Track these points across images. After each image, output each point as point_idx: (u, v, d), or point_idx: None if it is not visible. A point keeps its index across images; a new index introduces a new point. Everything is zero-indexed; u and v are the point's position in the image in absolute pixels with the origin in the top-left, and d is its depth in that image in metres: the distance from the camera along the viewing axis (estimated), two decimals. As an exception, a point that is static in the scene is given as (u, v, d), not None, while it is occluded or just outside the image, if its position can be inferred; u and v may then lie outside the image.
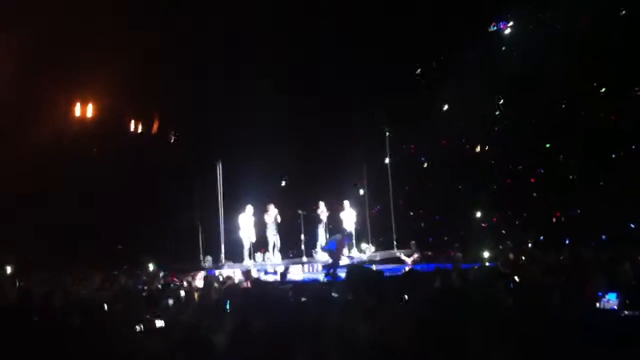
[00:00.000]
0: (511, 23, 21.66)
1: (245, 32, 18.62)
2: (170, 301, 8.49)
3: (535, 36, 19.98)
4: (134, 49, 16.93)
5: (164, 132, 21.11)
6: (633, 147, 18.90)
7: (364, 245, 19.32)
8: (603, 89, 19.78)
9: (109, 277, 12.95)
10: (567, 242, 15.97)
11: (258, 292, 9.35)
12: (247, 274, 13.52)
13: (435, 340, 5.40)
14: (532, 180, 21.35)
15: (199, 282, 13.21)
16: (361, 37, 19.29)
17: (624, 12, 19.13)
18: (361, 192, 21.44)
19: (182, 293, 10.17)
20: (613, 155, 19.30)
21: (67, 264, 14.81)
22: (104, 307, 8.06)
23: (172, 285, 11.51)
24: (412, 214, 22.27)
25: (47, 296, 8.15)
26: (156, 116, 20.77)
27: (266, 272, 16.15)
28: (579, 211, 19.21)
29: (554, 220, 20.10)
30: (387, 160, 21.27)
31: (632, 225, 17.69)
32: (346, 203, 18.84)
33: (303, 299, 8.21)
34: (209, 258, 17.88)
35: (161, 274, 14.64)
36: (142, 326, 6.84)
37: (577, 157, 19.51)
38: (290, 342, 5.60)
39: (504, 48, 21.43)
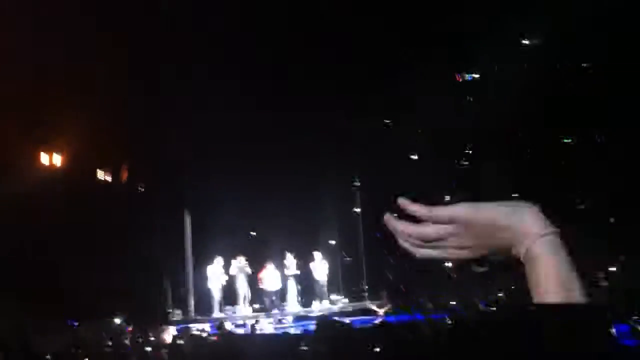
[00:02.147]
0: (476, 76, 22.08)
1: (214, 82, 18.68)
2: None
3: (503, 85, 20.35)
4: (102, 98, 16.88)
5: (132, 182, 20.93)
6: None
7: (335, 297, 19.17)
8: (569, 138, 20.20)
9: (73, 332, 12.62)
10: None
11: (228, 346, 9.18)
12: (218, 326, 13.29)
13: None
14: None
15: (166, 336, 12.95)
16: (330, 96, 19.46)
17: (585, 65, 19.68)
18: (332, 242, 21.40)
19: (149, 349, 9.94)
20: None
21: (31, 317, 14.41)
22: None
23: (139, 340, 11.25)
24: (383, 264, 22.26)
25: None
26: (124, 166, 20.63)
27: (236, 325, 15.90)
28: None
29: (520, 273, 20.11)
30: (357, 210, 21.33)
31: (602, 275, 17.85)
32: (317, 254, 18.76)
33: (273, 353, 8.08)
34: (177, 312, 17.59)
35: (128, 329, 14.31)
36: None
37: (546, 208, 19.70)
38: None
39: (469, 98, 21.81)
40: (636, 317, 9.21)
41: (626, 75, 17.38)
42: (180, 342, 10.51)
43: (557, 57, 19.40)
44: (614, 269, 16.98)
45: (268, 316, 17.56)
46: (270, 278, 17.89)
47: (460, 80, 21.48)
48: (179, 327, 15.52)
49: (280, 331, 14.50)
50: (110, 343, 11.12)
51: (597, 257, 16.77)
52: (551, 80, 19.12)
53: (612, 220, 18.73)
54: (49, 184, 18.20)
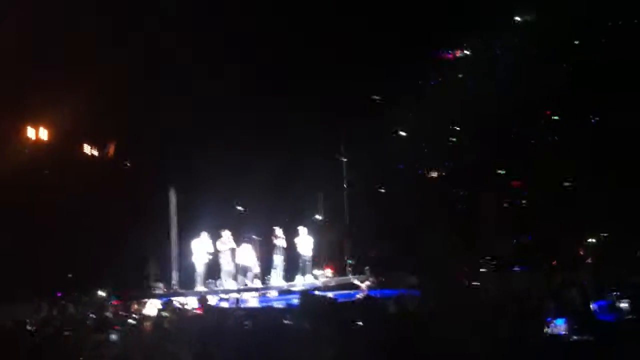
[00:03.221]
0: (460, 53, 22.09)
1: (201, 63, 18.59)
2: (115, 336, 8.26)
3: (489, 63, 20.40)
4: (89, 74, 16.73)
5: (118, 157, 20.82)
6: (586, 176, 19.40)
7: (318, 271, 19.26)
8: (556, 117, 20.32)
9: (56, 305, 12.61)
10: (518, 268, 16.21)
11: (212, 320, 9.22)
12: (202, 300, 13.31)
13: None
14: (486, 206, 21.69)
15: (150, 309, 12.98)
16: (316, 64, 19.40)
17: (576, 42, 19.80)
18: (317, 217, 21.46)
19: (132, 322, 9.96)
20: (566, 184, 19.79)
21: (14, 291, 14.40)
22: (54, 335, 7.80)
23: (121, 313, 11.28)
24: (366, 240, 22.34)
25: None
26: (110, 141, 20.50)
27: (221, 299, 15.96)
28: (529, 237, 19.57)
29: (507, 245, 20.41)
30: (343, 186, 21.37)
31: (581, 252, 18.10)
32: (302, 229, 18.79)
33: (257, 326, 8.14)
34: (160, 285, 17.62)
35: (111, 301, 14.33)
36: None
37: (531, 185, 19.92)
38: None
39: (460, 75, 21.83)
40: (615, 293, 9.35)
41: None
42: (164, 314, 10.55)
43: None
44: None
45: (252, 290, 17.63)
46: (253, 251, 17.96)
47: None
48: (162, 300, 15.55)
49: (264, 304, 14.58)
50: (93, 316, 11.13)
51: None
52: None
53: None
54: (34, 158, 18.08)
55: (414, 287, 14.80)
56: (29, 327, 8.75)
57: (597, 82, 18.41)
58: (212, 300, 15.04)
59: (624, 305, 8.53)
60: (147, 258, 18.48)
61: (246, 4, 18.56)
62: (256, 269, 18.05)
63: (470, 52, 21.99)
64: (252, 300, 16.81)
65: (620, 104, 18.18)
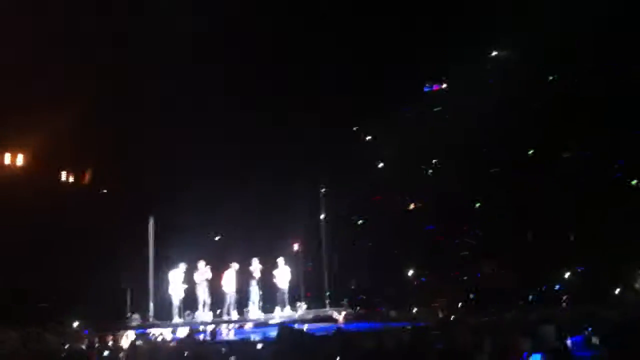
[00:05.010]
0: (444, 85, 22.37)
1: (181, 96, 18.65)
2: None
3: (468, 98, 20.61)
4: (68, 99, 16.69)
5: (95, 185, 20.67)
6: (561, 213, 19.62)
7: (296, 304, 19.14)
8: (531, 151, 20.55)
9: (30, 336, 12.37)
10: (495, 303, 16.23)
11: (189, 352, 9.14)
12: (189, 333, 13.10)
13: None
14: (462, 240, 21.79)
15: (124, 341, 12.80)
16: (296, 100, 19.53)
17: (551, 78, 20.11)
18: (295, 248, 21.39)
19: (106, 353, 9.83)
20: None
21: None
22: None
23: (96, 344, 11.11)
24: (345, 272, 22.29)
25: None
26: (88, 169, 20.37)
27: (197, 332, 15.75)
28: (503, 272, 19.65)
29: (483, 280, 20.47)
30: (322, 217, 21.37)
31: (557, 287, 18.19)
32: (280, 260, 18.72)
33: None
34: (136, 316, 17.39)
35: (86, 332, 14.11)
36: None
37: (507, 218, 20.06)
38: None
39: (439, 108, 22.05)
40: (589, 329, 9.42)
41: None
42: (139, 346, 10.42)
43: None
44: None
45: (228, 322, 17.46)
46: (229, 280, 17.82)
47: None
48: (137, 331, 15.35)
49: (240, 337, 14.43)
50: (66, 347, 10.95)
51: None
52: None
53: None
54: (11, 184, 17.89)
55: (394, 320, 14.77)
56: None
57: (573, 117, 18.72)
58: (187, 331, 14.85)
59: (598, 340, 8.59)
60: (123, 289, 18.26)
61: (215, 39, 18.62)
62: (234, 300, 17.90)
63: (448, 85, 22.28)
64: (228, 333, 16.64)
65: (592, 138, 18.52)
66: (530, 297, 17.19)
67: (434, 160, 22.82)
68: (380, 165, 23.31)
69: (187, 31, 17.43)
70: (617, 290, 16.35)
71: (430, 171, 22.83)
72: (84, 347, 10.77)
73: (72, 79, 17.20)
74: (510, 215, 19.93)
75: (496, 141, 20.55)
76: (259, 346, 9.88)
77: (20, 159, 18.26)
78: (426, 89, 22.71)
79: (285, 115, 19.70)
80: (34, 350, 10.17)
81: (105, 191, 21.21)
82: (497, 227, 20.72)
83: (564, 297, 16.89)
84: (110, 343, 12.22)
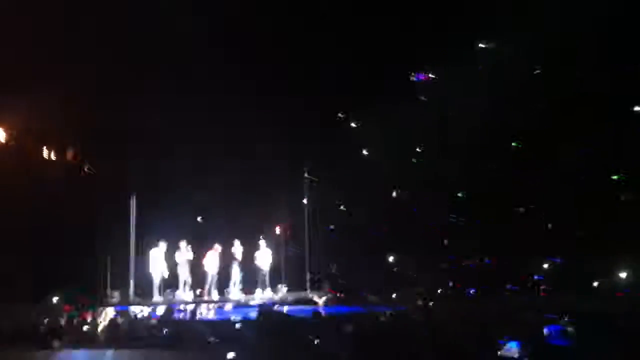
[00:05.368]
0: (431, 75, 22.33)
1: (170, 63, 18.47)
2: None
3: (455, 84, 20.57)
4: (53, 73, 16.49)
5: (78, 161, 20.49)
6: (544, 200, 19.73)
7: (277, 287, 19.18)
8: (518, 144, 20.64)
9: (10, 311, 12.30)
10: (474, 290, 16.39)
11: (168, 330, 9.14)
12: (166, 311, 13.10)
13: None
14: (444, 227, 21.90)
15: (104, 318, 12.77)
16: (284, 82, 19.43)
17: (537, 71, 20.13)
18: (277, 231, 21.42)
19: (85, 328, 9.80)
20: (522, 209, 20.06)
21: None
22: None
23: (76, 320, 11.07)
24: (326, 255, 22.32)
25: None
26: (71, 144, 20.17)
27: (177, 311, 15.76)
28: (487, 260, 19.78)
29: (465, 266, 20.61)
30: (304, 201, 21.38)
31: (536, 277, 18.36)
32: (262, 242, 18.75)
33: (214, 338, 8.11)
34: (116, 294, 17.33)
35: (65, 308, 14.06)
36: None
37: (491, 206, 20.15)
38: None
39: (423, 97, 22.03)
40: (566, 319, 9.53)
41: None
42: (118, 323, 10.41)
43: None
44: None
45: (209, 302, 17.47)
46: (212, 261, 17.79)
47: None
48: (117, 309, 15.34)
49: (219, 317, 14.47)
50: (45, 322, 10.92)
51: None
52: None
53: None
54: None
55: (375, 304, 14.83)
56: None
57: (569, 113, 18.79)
58: (167, 310, 14.85)
59: (573, 330, 8.71)
60: (104, 266, 18.17)
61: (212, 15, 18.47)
62: (215, 280, 17.90)
63: (439, 74, 22.25)
64: (208, 313, 16.66)
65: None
66: (510, 285, 17.32)
67: (418, 148, 22.85)
68: (365, 151, 23.32)
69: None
70: (597, 283, 16.53)
71: (416, 159, 22.87)
72: (63, 322, 10.73)
73: (58, 52, 16.96)
74: (496, 203, 20.03)
75: (485, 131, 20.58)
76: (238, 326, 9.93)
77: (1, 134, 18.01)
78: (416, 79, 22.68)
79: (271, 98, 19.58)
80: (13, 326, 10.09)
81: (88, 168, 21.03)
82: (481, 215, 20.84)
83: (543, 287, 17.05)
84: (89, 319, 12.19)
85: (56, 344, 7.91)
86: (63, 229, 18.27)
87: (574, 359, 7.56)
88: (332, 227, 22.71)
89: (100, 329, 10.35)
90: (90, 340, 9.00)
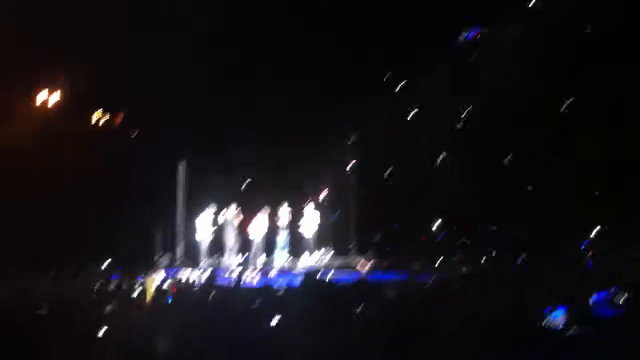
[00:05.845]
0: (484, 31, 21.81)
1: (213, 29, 18.41)
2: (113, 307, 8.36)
3: (507, 43, 20.08)
4: (100, 40, 16.64)
5: (126, 127, 20.79)
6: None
7: (321, 253, 19.33)
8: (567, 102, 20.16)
9: (60, 275, 12.72)
10: (521, 257, 16.16)
11: (214, 295, 9.32)
12: (210, 277, 13.30)
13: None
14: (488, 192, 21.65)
15: (153, 282, 13.07)
16: (331, 37, 19.16)
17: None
18: (321, 197, 21.50)
19: (136, 294, 10.09)
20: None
21: (17, 260, 14.50)
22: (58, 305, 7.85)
23: (124, 285, 11.38)
24: (370, 222, 22.31)
25: None
26: (119, 111, 20.46)
27: (223, 276, 16.03)
28: (535, 225, 19.50)
29: (510, 233, 20.37)
30: (349, 166, 21.36)
31: (583, 245, 18.04)
32: (307, 208, 18.86)
33: (258, 304, 8.22)
34: (164, 259, 17.76)
35: (115, 274, 14.44)
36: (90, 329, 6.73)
37: (537, 171, 19.81)
38: (248, 347, 5.63)
39: (475, 55, 21.59)
40: (615, 288, 9.34)
41: None
42: (166, 288, 10.67)
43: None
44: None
45: (254, 267, 17.72)
46: (257, 227, 17.99)
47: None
48: (166, 274, 15.70)
49: (264, 283, 14.65)
50: (95, 287, 11.25)
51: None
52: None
53: None
54: (44, 124, 18.02)
55: (418, 273, 14.83)
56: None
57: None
58: (214, 276, 15.09)
59: (622, 300, 8.54)
60: (152, 231, 18.58)
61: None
62: (261, 245, 18.13)
63: (489, 34, 21.73)
64: (253, 278, 16.89)
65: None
66: (556, 252, 17.06)
67: (466, 111, 22.49)
68: (411, 114, 23.07)
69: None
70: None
71: (462, 124, 22.55)
72: (113, 287, 11.05)
73: (105, 16, 17.05)
74: (543, 168, 19.67)
75: (534, 93, 20.10)
76: (283, 292, 10.04)
77: (51, 99, 18.28)
78: (464, 38, 22.21)
79: (316, 57, 19.37)
80: (66, 291, 10.43)
81: (135, 133, 21.33)
82: (527, 182, 20.52)
83: (590, 254, 16.74)
84: (138, 284, 12.50)
85: (110, 306, 8.15)
86: (113, 195, 18.68)
87: (622, 328, 7.42)
88: (378, 191, 22.68)
89: (150, 292, 10.63)
90: (141, 303, 9.25)
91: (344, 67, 19.59)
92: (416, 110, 22.67)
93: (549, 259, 14.63)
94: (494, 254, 17.71)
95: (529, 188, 20.19)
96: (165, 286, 11.22)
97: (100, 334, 6.55)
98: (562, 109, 20.35)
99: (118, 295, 9.56)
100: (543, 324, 7.22)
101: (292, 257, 18.50)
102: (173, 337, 6.16)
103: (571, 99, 20.05)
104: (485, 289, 9.43)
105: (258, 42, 18.81)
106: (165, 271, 16.39)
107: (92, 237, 17.98)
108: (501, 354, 5.47)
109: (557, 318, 7.43)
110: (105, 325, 6.65)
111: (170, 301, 8.43)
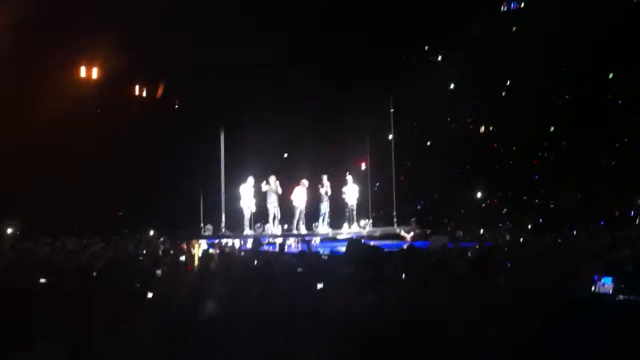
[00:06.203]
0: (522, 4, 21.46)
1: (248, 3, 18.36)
2: (162, 270, 8.51)
3: (545, 15, 19.69)
4: (139, 15, 16.73)
5: (168, 98, 21.00)
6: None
7: (363, 222, 19.37)
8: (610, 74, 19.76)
9: (108, 242, 13.01)
10: (565, 226, 16.01)
11: (258, 262, 9.42)
12: (254, 243, 13.43)
13: (426, 320, 5.42)
14: (535, 162, 21.40)
15: (198, 249, 13.29)
16: (366, 13, 19.00)
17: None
18: (363, 167, 21.53)
19: (182, 258, 10.27)
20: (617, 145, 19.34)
21: (66, 228, 14.88)
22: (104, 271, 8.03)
23: (172, 251, 11.59)
24: (413, 191, 22.28)
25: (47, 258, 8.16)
26: (160, 82, 20.64)
27: (267, 244, 16.21)
28: (578, 196, 19.25)
29: (554, 203, 20.17)
30: (390, 137, 21.28)
31: (632, 213, 17.76)
32: (349, 177, 18.87)
33: (301, 270, 8.28)
34: (209, 227, 18.02)
35: (161, 240, 14.72)
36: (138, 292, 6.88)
37: (579, 142, 19.51)
38: (290, 314, 5.68)
39: (514, 28, 21.26)
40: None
41: None
42: (212, 253, 10.83)
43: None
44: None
45: (297, 236, 17.86)
46: (300, 195, 18.04)
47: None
48: (209, 241, 15.94)
49: (308, 249, 14.74)
50: (144, 252, 11.49)
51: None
52: None
53: None
54: (86, 98, 18.29)
55: (460, 240, 14.80)
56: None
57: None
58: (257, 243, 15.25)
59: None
60: (196, 200, 18.85)
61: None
62: (303, 214, 18.21)
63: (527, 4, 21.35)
64: (297, 246, 17.05)
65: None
66: (603, 221, 16.85)
67: (507, 82, 22.21)
68: (452, 86, 22.88)
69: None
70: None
71: (504, 93, 22.28)
72: (160, 253, 11.26)
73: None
74: (585, 139, 19.35)
75: (574, 64, 19.74)
76: (325, 258, 10.12)
77: (94, 73, 18.50)
78: (503, 8, 21.85)
79: (353, 34, 19.22)
80: (113, 254, 10.66)
81: (177, 105, 21.55)
82: (569, 151, 20.21)
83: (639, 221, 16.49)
84: (184, 250, 12.73)
85: (157, 271, 8.32)
86: (158, 166, 18.97)
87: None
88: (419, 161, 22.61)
89: (197, 256, 10.85)
90: (185, 270, 9.40)
91: (384, 40, 19.44)
92: (452, 85, 22.51)
93: (595, 228, 14.46)
94: (541, 221, 17.58)
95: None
96: (211, 251, 11.40)
97: (150, 295, 6.70)
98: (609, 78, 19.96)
99: (166, 260, 9.74)
100: (593, 289, 7.14)
101: (334, 227, 18.57)
102: (220, 299, 6.25)
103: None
104: (529, 258, 9.33)
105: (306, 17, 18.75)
106: (210, 238, 16.64)
107: (140, 205, 18.35)
108: (546, 322, 5.41)
109: (607, 284, 7.34)
110: (155, 286, 6.81)
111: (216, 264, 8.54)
